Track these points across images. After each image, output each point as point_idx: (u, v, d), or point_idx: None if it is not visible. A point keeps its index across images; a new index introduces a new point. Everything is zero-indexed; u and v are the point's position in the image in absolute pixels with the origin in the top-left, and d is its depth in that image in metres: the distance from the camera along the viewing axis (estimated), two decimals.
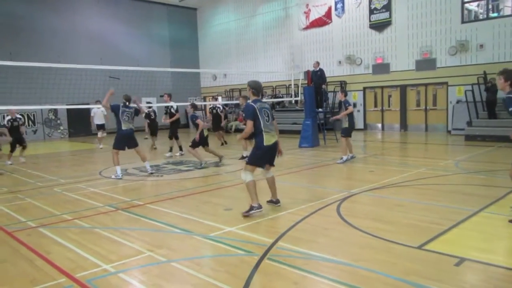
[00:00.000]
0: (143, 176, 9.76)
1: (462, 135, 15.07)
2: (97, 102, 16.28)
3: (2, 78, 17.69)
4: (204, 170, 10.25)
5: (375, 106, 20.08)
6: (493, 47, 16.05)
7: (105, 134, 16.78)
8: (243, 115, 5.91)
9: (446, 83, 17.44)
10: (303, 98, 16.35)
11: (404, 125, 19.11)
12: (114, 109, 9.35)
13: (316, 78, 15.68)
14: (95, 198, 7.54)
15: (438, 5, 17.24)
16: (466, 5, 16.87)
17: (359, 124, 20.44)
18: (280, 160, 11.32)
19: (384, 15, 18.98)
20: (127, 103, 9.56)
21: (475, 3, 17.13)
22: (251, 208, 5.89)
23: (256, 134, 5.95)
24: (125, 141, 9.46)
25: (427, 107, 18.37)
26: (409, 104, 18.92)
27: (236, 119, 23.42)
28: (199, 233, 5.26)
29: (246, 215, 5.86)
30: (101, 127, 16.76)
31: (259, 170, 6.29)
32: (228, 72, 25.58)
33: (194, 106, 11.26)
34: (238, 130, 22.45)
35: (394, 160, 11.04)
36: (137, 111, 10.00)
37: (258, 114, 5.86)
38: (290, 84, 19.62)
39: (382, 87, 19.52)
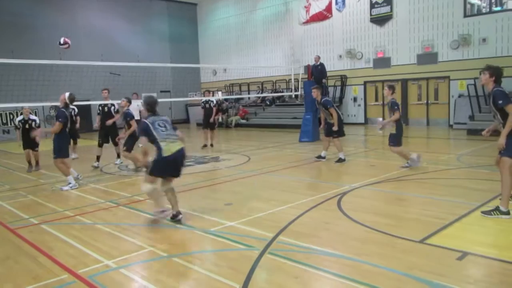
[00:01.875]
0: (144, 171, 9.73)
1: (464, 130, 15.02)
2: (134, 94, 14.93)
3: (3, 76, 17.69)
4: (204, 165, 10.22)
5: (376, 100, 20.02)
6: (496, 41, 15.95)
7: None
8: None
9: (448, 77, 17.36)
10: (303, 92, 16.30)
11: (405, 119, 19.02)
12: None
13: (317, 72, 15.65)
14: (96, 194, 7.54)
15: None
16: None
17: (360, 118, 20.41)
18: (280, 154, 11.38)
19: (385, 9, 18.87)
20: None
21: None
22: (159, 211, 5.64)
23: (156, 148, 5.47)
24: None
25: (429, 101, 18.31)
26: (410, 98, 18.86)
27: (236, 114, 23.42)
28: (200, 228, 5.26)
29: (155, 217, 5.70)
30: (136, 122, 14.93)
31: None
32: (228, 67, 25.52)
33: (130, 102, 9.92)
34: (239, 125, 22.47)
35: (395, 155, 10.99)
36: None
37: (152, 128, 5.41)
38: (290, 79, 19.56)
39: (383, 81, 19.44)
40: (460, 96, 16.80)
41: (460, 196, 6.21)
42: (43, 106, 21.64)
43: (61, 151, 8.08)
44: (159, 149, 5.40)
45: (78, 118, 12.31)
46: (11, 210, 6.68)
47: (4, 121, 21.17)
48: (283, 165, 9.74)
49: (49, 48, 20.74)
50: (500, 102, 5.08)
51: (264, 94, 23.35)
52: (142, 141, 5.82)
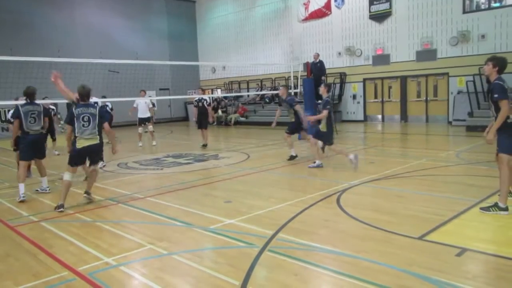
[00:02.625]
0: (143, 169, 9.76)
1: (463, 126, 15.04)
2: (142, 91, 14.93)
3: (2, 73, 17.65)
4: (204, 163, 10.23)
5: (375, 97, 20.02)
6: (495, 37, 15.94)
7: (151, 128, 14.61)
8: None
9: (447, 73, 17.36)
10: (302, 90, 16.29)
11: (404, 116, 19.07)
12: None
13: (316, 69, 15.64)
14: (96, 192, 7.53)
15: None
16: None
17: (360, 115, 20.42)
18: (280, 152, 11.38)
19: (384, 6, 18.85)
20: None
21: None
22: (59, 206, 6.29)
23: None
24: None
25: (428, 98, 18.31)
26: (409, 95, 18.87)
27: (235, 112, 23.41)
28: (199, 226, 5.27)
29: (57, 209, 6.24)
30: (145, 120, 14.46)
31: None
32: (227, 64, 25.51)
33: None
34: (238, 123, 22.46)
35: (394, 151, 11.03)
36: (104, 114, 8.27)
37: (75, 119, 6.31)
38: (290, 76, 19.54)
39: (382, 78, 19.45)
40: (459, 92, 16.80)
41: (459, 193, 6.22)
42: (41, 104, 21.60)
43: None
44: (74, 142, 6.41)
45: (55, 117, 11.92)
46: (11, 207, 6.69)
47: (3, 119, 21.13)
48: (282, 163, 9.75)
49: (47, 46, 20.75)
50: (496, 95, 5.09)
51: (263, 92, 23.34)
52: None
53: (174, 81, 26.08)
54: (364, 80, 20.17)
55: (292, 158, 9.95)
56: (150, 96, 20.23)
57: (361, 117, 20.36)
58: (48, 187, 7.79)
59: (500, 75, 5.26)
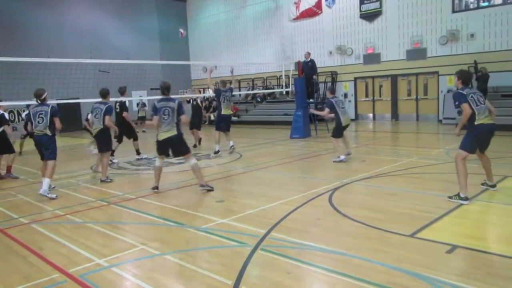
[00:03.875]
0: (134, 170, 9.71)
1: (453, 124, 15.14)
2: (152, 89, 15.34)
3: None
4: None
5: (366, 96, 20.12)
6: (484, 37, 16.11)
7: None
8: (151, 113, 7.10)
9: (437, 72, 17.51)
10: (294, 89, 16.32)
11: (395, 115, 19.20)
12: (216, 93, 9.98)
13: (307, 69, 15.67)
14: (87, 193, 7.50)
15: None
16: None
17: (351, 114, 20.48)
18: (272, 151, 11.40)
19: (374, 5, 18.95)
20: (102, 99, 8.61)
21: None
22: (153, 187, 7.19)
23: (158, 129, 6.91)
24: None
25: (418, 97, 18.45)
26: (400, 93, 18.99)
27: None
28: (191, 225, 5.26)
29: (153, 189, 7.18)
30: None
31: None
32: (219, 64, 25.42)
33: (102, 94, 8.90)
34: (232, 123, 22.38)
35: (385, 150, 11.10)
36: (108, 110, 8.34)
37: (157, 111, 6.80)
38: (281, 75, 19.59)
39: (373, 77, 19.55)
40: (449, 91, 16.92)
41: (449, 190, 6.26)
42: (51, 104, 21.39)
43: None
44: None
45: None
46: (0, 210, 6.61)
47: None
48: (274, 162, 9.76)
49: (37, 46, 20.53)
50: (457, 103, 5.75)
51: (255, 91, 23.33)
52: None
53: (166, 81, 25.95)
54: (355, 79, 20.26)
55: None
56: (140, 96, 20.15)
57: (352, 116, 20.42)
58: (49, 192, 7.23)
59: (464, 86, 5.83)
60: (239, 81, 25.23)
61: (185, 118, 7.08)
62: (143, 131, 19.46)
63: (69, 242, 4.87)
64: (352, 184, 7.09)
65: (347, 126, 9.61)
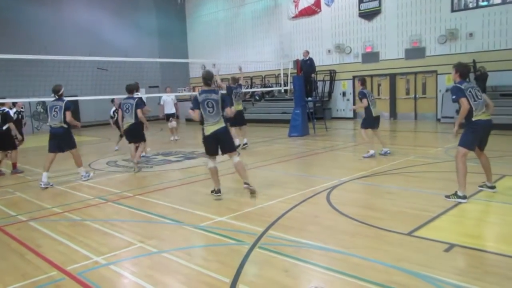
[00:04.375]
0: (132, 167, 9.67)
1: (451, 123, 15.16)
2: (168, 88, 15.62)
3: None
4: (194, 161, 10.19)
5: None
6: (483, 36, 16.11)
7: (174, 124, 14.87)
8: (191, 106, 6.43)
9: (436, 71, 17.51)
10: (292, 87, 16.30)
11: (393, 114, 19.20)
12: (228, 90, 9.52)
13: (306, 67, 15.64)
14: (85, 191, 7.49)
15: None
16: None
17: (349, 113, 20.50)
18: (270, 149, 11.40)
19: (373, 4, 18.93)
20: (129, 95, 9.06)
21: None
22: (212, 191, 6.48)
23: (201, 124, 6.40)
24: (127, 135, 9.15)
25: (417, 96, 18.46)
26: (398, 92, 18.99)
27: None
28: (189, 223, 5.25)
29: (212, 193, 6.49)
30: (171, 116, 14.92)
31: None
32: (217, 61, 25.37)
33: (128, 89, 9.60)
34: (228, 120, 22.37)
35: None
36: (139, 104, 8.92)
37: (200, 104, 6.21)
38: (280, 74, 19.55)
39: (371, 76, 19.55)
40: (447, 90, 16.90)
41: (447, 189, 6.27)
42: (29, 102, 21.35)
43: None
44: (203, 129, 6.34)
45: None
46: None
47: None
48: (272, 160, 9.76)
49: (34, 43, 20.44)
50: (454, 97, 5.64)
51: (253, 89, 23.31)
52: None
53: (163, 79, 25.91)
54: (354, 77, 20.22)
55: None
56: (137, 94, 20.13)
57: (350, 114, 20.44)
58: (88, 174, 8.53)
59: (462, 80, 5.71)
60: (237, 79, 25.20)
61: (230, 110, 6.48)
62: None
63: (67, 239, 4.87)
64: (350, 183, 7.10)
65: (378, 117, 9.73)
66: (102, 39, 23.48)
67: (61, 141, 8.04)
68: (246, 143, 11.76)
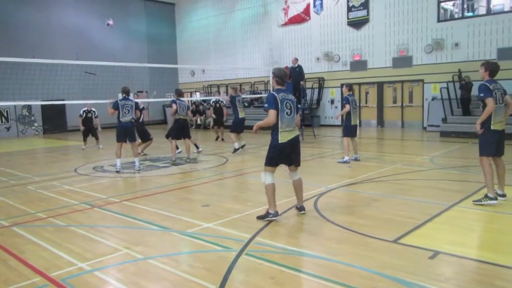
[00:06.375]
0: (120, 173, 9.61)
1: (437, 132, 15.40)
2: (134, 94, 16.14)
3: None
4: (181, 167, 10.16)
5: None
6: (468, 46, 16.41)
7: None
8: (265, 105, 5.39)
9: (422, 80, 17.77)
10: None
11: (381, 122, 19.40)
12: (115, 107, 9.36)
13: (295, 74, 15.74)
14: (71, 196, 7.39)
15: (415, 3, 17.50)
16: (442, 4, 17.17)
17: (337, 120, 20.64)
18: (258, 156, 11.41)
19: (361, 13, 19.18)
20: (125, 96, 9.52)
21: (451, 2, 17.46)
22: (267, 214, 5.37)
23: (273, 129, 5.39)
24: (124, 134, 9.44)
25: (404, 104, 18.69)
26: (386, 100, 19.21)
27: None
28: (176, 230, 5.22)
29: (260, 219, 5.41)
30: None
31: (286, 172, 5.85)
32: (206, 68, 25.41)
33: (178, 93, 11.05)
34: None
35: (371, 156, 11.19)
36: (137, 104, 10.05)
37: (279, 104, 5.25)
38: (269, 80, 19.64)
39: (359, 84, 19.74)
40: (433, 99, 17.21)
41: (433, 197, 6.36)
42: (15, 106, 21.07)
43: None
44: (275, 135, 5.42)
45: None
46: None
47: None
48: (260, 167, 9.72)
49: (22, 46, 20.25)
50: (482, 95, 5.66)
51: (242, 96, 23.32)
52: None
53: (152, 84, 25.82)
54: (342, 85, 20.36)
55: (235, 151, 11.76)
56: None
57: (338, 122, 20.58)
58: (139, 168, 9.60)
59: (491, 78, 5.75)
60: (226, 86, 25.26)
61: (299, 118, 5.71)
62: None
63: (51, 245, 4.79)
64: (337, 190, 7.14)
65: (356, 126, 10.04)
66: (90, 43, 23.37)
67: (129, 134, 9.47)
68: (244, 144, 12.55)
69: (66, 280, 3.83)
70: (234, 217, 5.67)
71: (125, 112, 9.34)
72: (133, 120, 9.54)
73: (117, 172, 9.40)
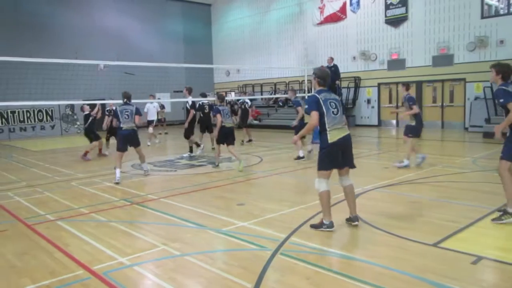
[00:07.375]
0: (156, 171, 9.84)
1: (480, 132, 14.81)
2: (151, 96, 16.41)
3: (22, 75, 18.05)
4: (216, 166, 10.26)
5: (390, 102, 19.85)
6: None
7: (151, 130, 15.77)
8: (306, 107, 5.17)
9: (464, 79, 17.14)
10: None
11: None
12: (116, 116, 9.03)
13: (330, 74, 15.59)
14: (111, 192, 7.64)
15: (457, 0, 16.93)
16: (486, 0, 16.52)
17: (374, 120, 20.28)
18: (292, 156, 11.35)
19: (400, 10, 18.73)
20: (126, 101, 8.97)
21: None
22: (321, 224, 5.06)
23: (321, 131, 5.10)
24: (124, 142, 8.83)
25: (444, 104, 18.10)
26: (425, 100, 18.66)
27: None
28: (212, 228, 5.29)
29: (313, 228, 5.11)
30: (151, 122, 15.97)
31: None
32: (242, 67, 25.56)
33: (221, 98, 10.25)
34: (251, 126, 22.44)
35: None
36: (138, 110, 9.00)
37: (323, 105, 5.01)
38: (304, 80, 19.54)
39: (397, 83, 19.29)
40: (476, 98, 16.57)
41: (475, 200, 6.14)
42: (59, 105, 21.97)
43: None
44: (323, 136, 5.05)
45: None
46: (28, 206, 6.82)
47: (21, 119, 21.52)
48: (295, 166, 9.73)
49: (66, 48, 21.09)
50: (502, 100, 5.04)
51: (277, 95, 23.34)
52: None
53: (188, 84, 26.18)
54: (379, 84, 20.04)
55: (298, 158, 10.50)
56: (159, 98, 20.62)
57: (375, 122, 20.21)
58: (147, 170, 9.32)
59: (506, 82, 5.14)
60: (261, 85, 25.33)
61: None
62: (166, 133, 19.75)
63: (93, 239, 4.98)
64: (374, 191, 7.01)
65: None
66: (129, 44, 24.03)
67: (133, 140, 8.94)
68: (311, 150, 10.76)
69: (108, 274, 3.96)
70: (269, 217, 5.68)
71: (125, 118, 8.72)
72: (135, 128, 8.88)
73: (116, 183, 8.38)
